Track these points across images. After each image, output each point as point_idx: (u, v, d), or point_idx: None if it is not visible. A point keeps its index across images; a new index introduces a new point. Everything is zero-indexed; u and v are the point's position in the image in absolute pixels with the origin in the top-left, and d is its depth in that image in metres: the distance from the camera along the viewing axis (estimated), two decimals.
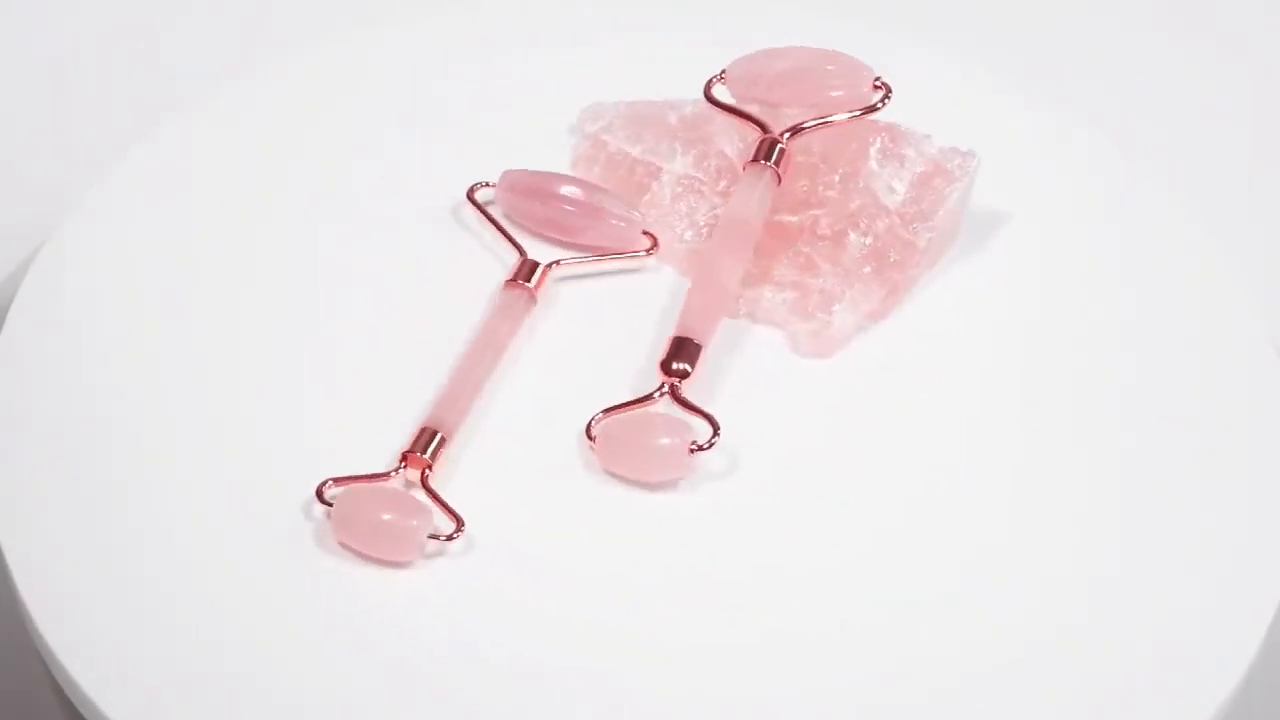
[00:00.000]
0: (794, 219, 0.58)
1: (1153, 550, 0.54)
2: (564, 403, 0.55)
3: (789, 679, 0.51)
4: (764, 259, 0.58)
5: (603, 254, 0.59)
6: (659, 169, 0.60)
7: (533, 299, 0.57)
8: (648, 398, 0.55)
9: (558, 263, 0.58)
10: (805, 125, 0.58)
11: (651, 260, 0.59)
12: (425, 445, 0.53)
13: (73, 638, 0.50)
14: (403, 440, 0.54)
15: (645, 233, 0.59)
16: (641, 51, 0.65)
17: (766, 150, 0.58)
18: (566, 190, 0.59)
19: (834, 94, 0.59)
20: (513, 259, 0.58)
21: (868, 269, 0.57)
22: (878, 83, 0.59)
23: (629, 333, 0.57)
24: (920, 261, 0.58)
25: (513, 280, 0.57)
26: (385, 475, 0.53)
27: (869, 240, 0.57)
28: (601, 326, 0.58)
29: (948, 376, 0.57)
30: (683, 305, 0.56)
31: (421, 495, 0.53)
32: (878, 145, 0.58)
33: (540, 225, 0.59)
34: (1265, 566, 0.53)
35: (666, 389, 0.55)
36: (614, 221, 0.59)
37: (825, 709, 0.50)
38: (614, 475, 0.54)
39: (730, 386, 0.56)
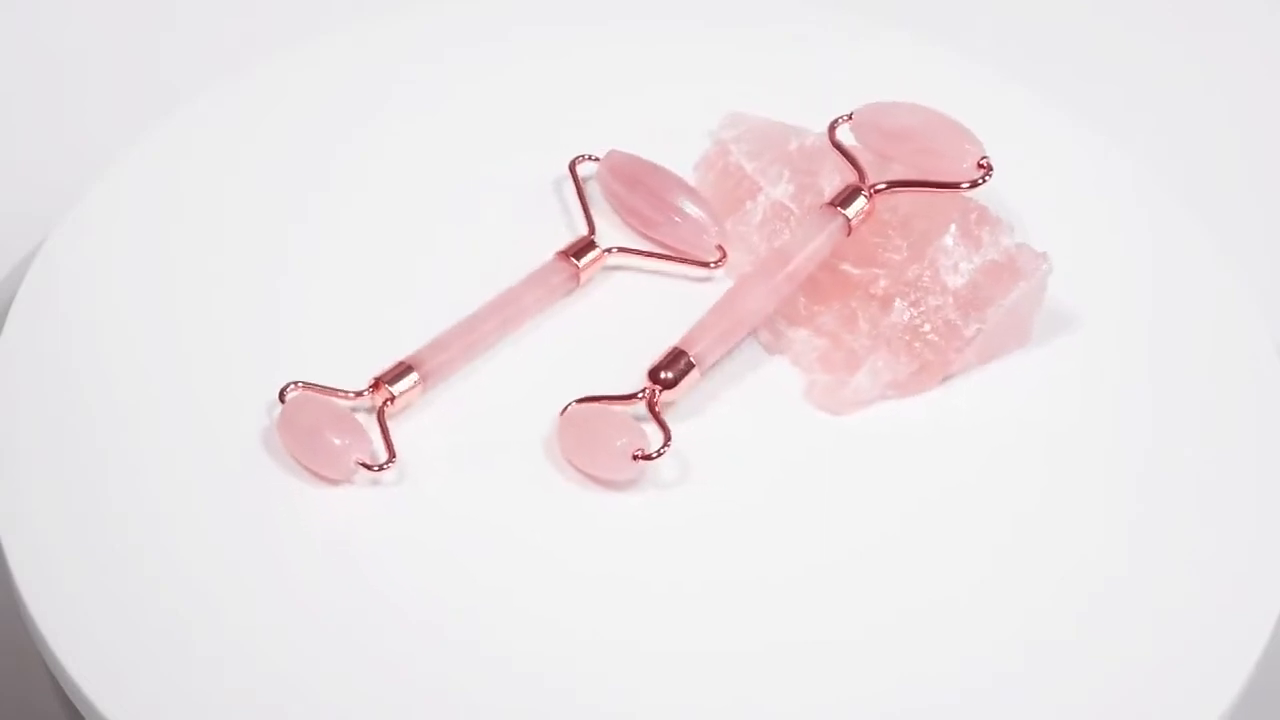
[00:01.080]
0: (856, 272, 0.57)
1: (1153, 552, 0.53)
2: (560, 386, 0.55)
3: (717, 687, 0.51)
4: (817, 303, 0.57)
5: (670, 255, 0.59)
6: (760, 189, 0.59)
7: (575, 277, 0.57)
8: (629, 397, 0.55)
9: (616, 250, 0.58)
10: (896, 183, 0.57)
11: (718, 273, 0.59)
12: (396, 378, 0.54)
13: (72, 637, 0.50)
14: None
15: (718, 245, 0.59)
16: (658, 54, 0.65)
17: (846, 197, 0.57)
18: (654, 183, 0.59)
19: (937, 160, 0.58)
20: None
21: (903, 339, 0.56)
22: (983, 161, 0.58)
23: (661, 336, 0.56)
24: (963, 349, 0.56)
25: (564, 253, 0.57)
26: (347, 394, 0.53)
27: (913, 313, 0.56)
28: (638, 324, 0.57)
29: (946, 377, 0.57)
30: (698, 320, 0.56)
31: (372, 422, 0.53)
32: (958, 223, 0.57)
33: (625, 212, 0.60)
34: (1269, 569, 0.53)
35: (645, 394, 0.55)
36: (689, 225, 0.59)
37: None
38: (569, 464, 0.54)
39: (726, 408, 0.56)
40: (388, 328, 0.58)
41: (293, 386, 0.54)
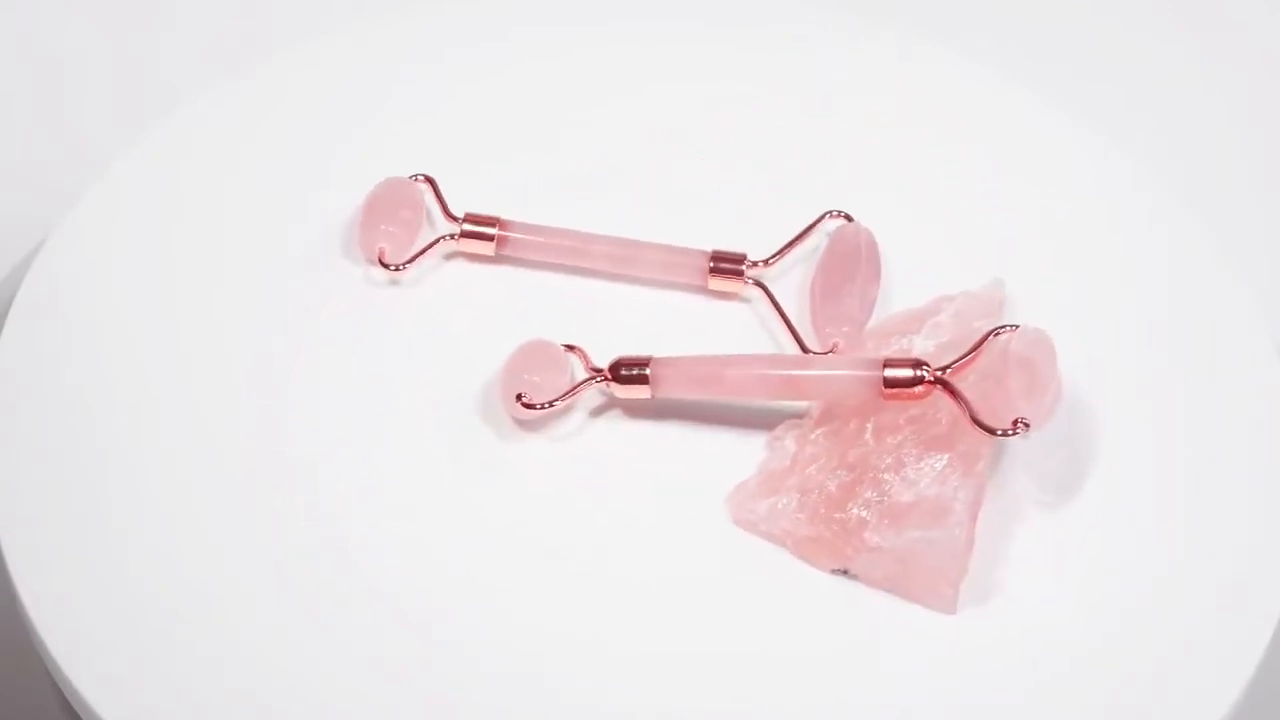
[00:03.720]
0: (848, 425, 0.54)
1: (1153, 552, 0.53)
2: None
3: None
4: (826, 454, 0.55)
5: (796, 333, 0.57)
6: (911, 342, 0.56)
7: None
8: (587, 381, 0.55)
9: (763, 263, 0.58)
10: (950, 389, 0.53)
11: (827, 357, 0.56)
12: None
13: (71, 638, 0.50)
14: (402, 447, 0.54)
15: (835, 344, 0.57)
16: (653, 48, 0.65)
17: (903, 364, 0.53)
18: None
19: (994, 388, 0.53)
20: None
21: (818, 500, 0.53)
22: (1023, 421, 0.52)
23: (670, 347, 0.56)
24: (865, 556, 0.52)
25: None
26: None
27: (845, 485, 0.53)
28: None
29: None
30: (689, 355, 0.55)
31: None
32: (942, 461, 0.53)
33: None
34: (1269, 570, 0.53)
35: (597, 376, 0.55)
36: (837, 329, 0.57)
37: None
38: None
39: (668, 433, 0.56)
40: (388, 327, 0.58)
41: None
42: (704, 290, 0.59)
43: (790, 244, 0.59)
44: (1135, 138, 0.70)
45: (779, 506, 0.53)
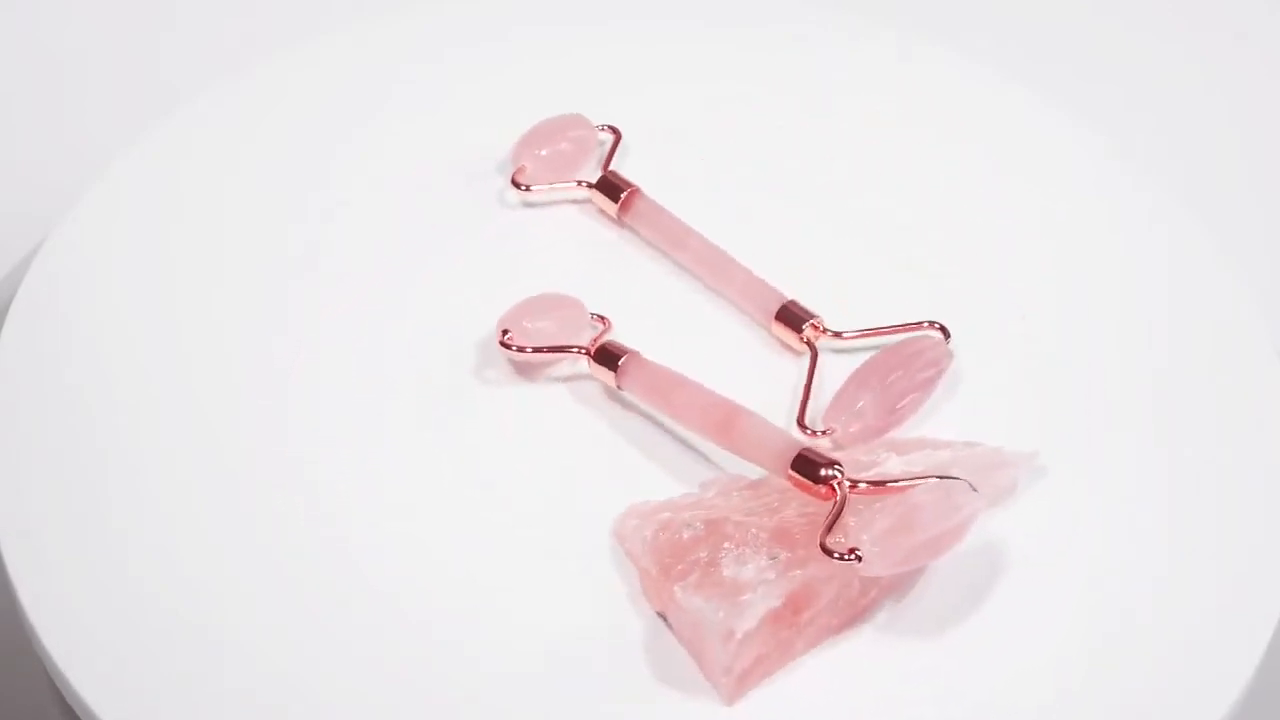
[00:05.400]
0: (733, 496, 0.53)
1: (1153, 553, 0.53)
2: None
3: None
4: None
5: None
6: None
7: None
8: (570, 348, 0.56)
9: (831, 332, 0.57)
10: (845, 486, 0.51)
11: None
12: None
13: (69, 638, 0.50)
14: (402, 446, 0.54)
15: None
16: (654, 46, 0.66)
17: (819, 460, 0.52)
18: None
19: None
20: None
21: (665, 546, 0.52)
22: (854, 553, 0.50)
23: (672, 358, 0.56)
24: (669, 611, 0.51)
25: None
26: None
27: (696, 537, 0.51)
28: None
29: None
30: (664, 367, 0.55)
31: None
32: (777, 556, 0.51)
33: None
34: (1269, 570, 0.53)
35: (581, 350, 0.56)
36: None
37: None
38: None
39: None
40: (388, 328, 0.58)
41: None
42: (768, 328, 0.58)
43: (869, 331, 0.57)
44: (1135, 138, 0.70)
45: (640, 531, 0.52)
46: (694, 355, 0.56)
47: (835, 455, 0.52)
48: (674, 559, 0.51)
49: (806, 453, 0.52)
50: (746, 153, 0.63)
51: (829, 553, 0.49)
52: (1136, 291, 0.60)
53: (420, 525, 0.53)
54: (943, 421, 0.56)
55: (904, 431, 0.55)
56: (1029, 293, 0.59)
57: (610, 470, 0.55)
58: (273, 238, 0.60)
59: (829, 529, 0.50)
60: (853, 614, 0.51)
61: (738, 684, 0.50)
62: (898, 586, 0.52)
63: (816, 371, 0.56)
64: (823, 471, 0.51)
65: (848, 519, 0.50)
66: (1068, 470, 0.55)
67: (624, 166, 0.62)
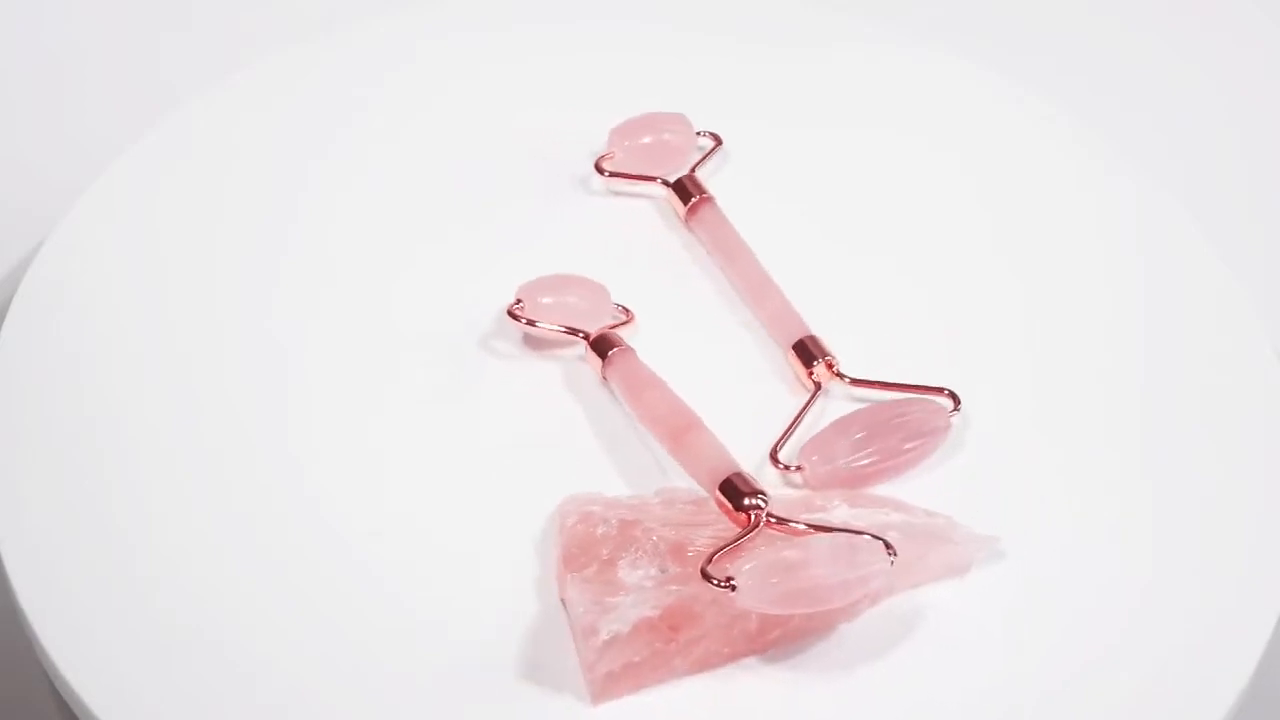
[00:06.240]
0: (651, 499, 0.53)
1: (1153, 553, 0.53)
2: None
3: None
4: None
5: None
6: None
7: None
8: (572, 330, 0.57)
9: (842, 375, 0.56)
10: (763, 518, 0.51)
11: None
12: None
13: (68, 638, 0.50)
14: (403, 445, 0.54)
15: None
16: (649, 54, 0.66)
17: (746, 488, 0.52)
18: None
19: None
20: None
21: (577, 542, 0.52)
22: (729, 581, 0.50)
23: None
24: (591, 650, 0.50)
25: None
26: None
27: (602, 535, 0.52)
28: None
29: (944, 374, 0.57)
30: (645, 366, 0.56)
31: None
32: (664, 571, 0.51)
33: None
34: (1269, 570, 0.53)
35: (581, 334, 0.56)
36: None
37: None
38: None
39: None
40: (388, 327, 0.58)
41: None
42: (787, 358, 0.57)
43: (881, 384, 0.56)
44: (1135, 138, 0.70)
45: (568, 515, 0.52)
46: (704, 369, 0.57)
47: (768, 489, 0.52)
48: (580, 550, 0.51)
49: (736, 478, 0.52)
50: (843, 177, 0.62)
51: (706, 577, 0.49)
52: (1136, 292, 0.60)
53: (421, 525, 0.53)
54: (930, 481, 0.55)
55: (890, 487, 0.54)
56: (1028, 293, 0.59)
57: (580, 460, 0.55)
58: (272, 237, 0.60)
59: (715, 555, 0.50)
60: (750, 648, 0.51)
61: (603, 684, 0.50)
62: (810, 631, 0.51)
63: (812, 409, 0.56)
64: (746, 500, 0.51)
65: (753, 550, 0.50)
66: (1066, 471, 0.55)
67: (720, 176, 0.62)
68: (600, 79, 0.65)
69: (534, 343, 0.57)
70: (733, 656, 0.51)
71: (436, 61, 0.65)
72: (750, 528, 0.51)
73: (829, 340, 0.57)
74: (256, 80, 0.64)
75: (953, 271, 0.60)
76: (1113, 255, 0.61)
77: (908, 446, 0.55)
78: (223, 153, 0.62)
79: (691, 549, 0.51)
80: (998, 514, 0.54)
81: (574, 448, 0.55)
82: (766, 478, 0.54)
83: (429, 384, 0.56)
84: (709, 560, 0.50)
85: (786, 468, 0.54)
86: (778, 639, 0.51)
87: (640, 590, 0.50)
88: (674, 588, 0.50)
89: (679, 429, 0.54)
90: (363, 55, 0.65)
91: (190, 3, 0.75)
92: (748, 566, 0.49)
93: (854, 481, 0.54)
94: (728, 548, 0.50)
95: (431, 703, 0.50)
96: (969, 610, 0.52)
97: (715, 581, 0.49)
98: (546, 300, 0.57)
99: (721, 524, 0.52)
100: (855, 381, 0.56)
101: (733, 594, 0.49)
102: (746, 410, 0.55)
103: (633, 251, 0.60)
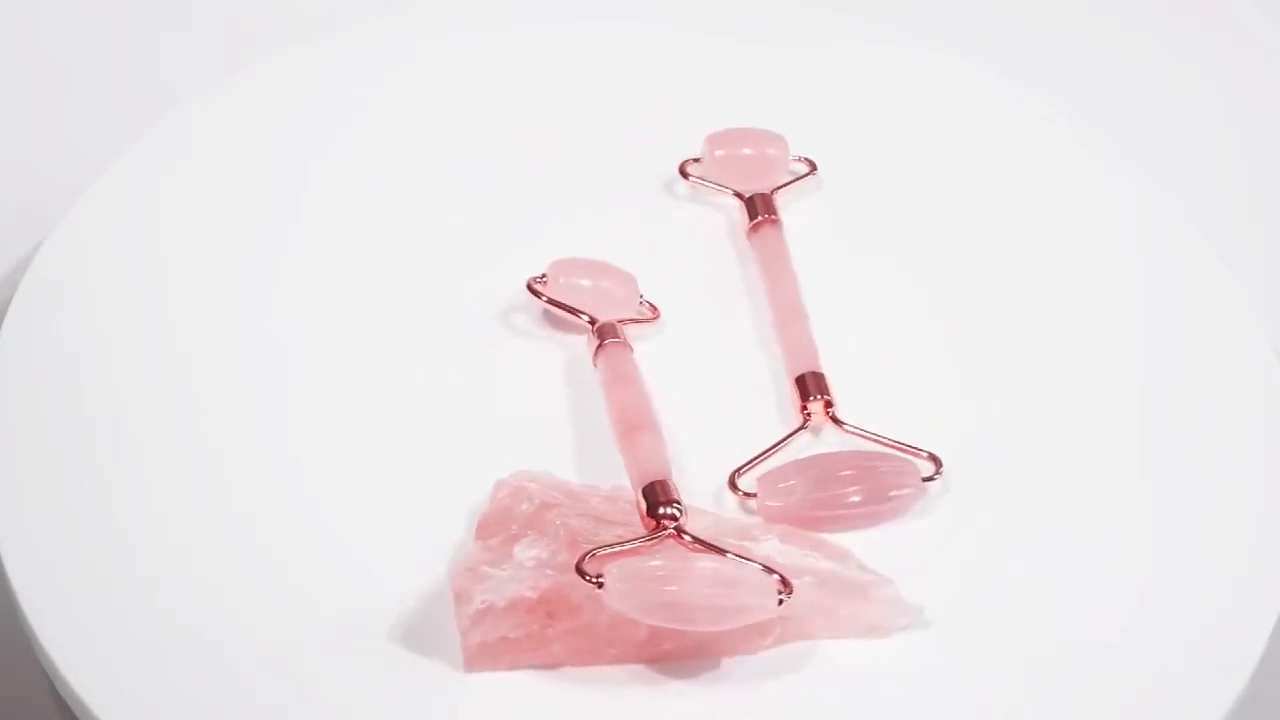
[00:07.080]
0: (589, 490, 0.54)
1: (1153, 554, 0.53)
2: None
3: None
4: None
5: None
6: None
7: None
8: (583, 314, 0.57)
9: (833, 416, 0.56)
10: (670, 529, 0.51)
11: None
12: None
13: (68, 638, 0.50)
14: (403, 446, 0.54)
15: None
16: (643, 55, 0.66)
17: (667, 498, 0.51)
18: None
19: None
20: None
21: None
22: (597, 579, 0.50)
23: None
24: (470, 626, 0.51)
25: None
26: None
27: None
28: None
29: (946, 374, 0.57)
30: (634, 368, 0.56)
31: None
32: (541, 555, 0.51)
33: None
34: (1269, 570, 0.53)
35: (593, 318, 0.57)
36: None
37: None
38: None
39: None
40: (388, 327, 0.58)
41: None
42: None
43: (868, 434, 0.55)
44: (1135, 138, 0.70)
45: (503, 486, 0.53)
46: (710, 382, 0.57)
47: (721, 511, 0.53)
48: (495, 521, 0.52)
49: (660, 485, 0.52)
50: (843, 177, 0.62)
51: (579, 571, 0.50)
52: (1136, 293, 0.60)
53: (421, 525, 0.53)
54: (913, 529, 0.54)
55: (871, 533, 0.54)
56: (1028, 292, 0.59)
57: (580, 460, 0.55)
58: (271, 237, 0.60)
59: (593, 551, 0.50)
60: (640, 656, 0.51)
61: (475, 653, 0.50)
62: (705, 654, 0.51)
63: (798, 444, 0.55)
64: (660, 509, 0.51)
65: (637, 556, 0.50)
66: (1062, 472, 0.55)
67: (811, 200, 0.62)
68: (600, 79, 0.65)
69: (534, 342, 0.57)
70: (620, 659, 0.51)
71: (436, 61, 0.65)
72: (651, 534, 0.51)
73: (835, 371, 0.56)
74: (256, 80, 0.64)
75: (953, 271, 0.60)
76: (1113, 255, 0.61)
77: (853, 499, 0.54)
78: (223, 153, 0.62)
79: (589, 542, 0.51)
80: (997, 520, 0.54)
81: (574, 448, 0.55)
82: (727, 501, 0.54)
83: (429, 384, 0.56)
84: (585, 556, 0.50)
85: (742, 493, 0.54)
86: (670, 653, 0.51)
87: (520, 568, 0.50)
88: (552, 574, 0.50)
89: (632, 427, 0.54)
90: (363, 55, 0.65)
91: (190, 3, 0.75)
92: (618, 569, 0.50)
93: (806, 523, 0.53)
94: (617, 548, 0.50)
95: (433, 703, 0.50)
96: (963, 622, 0.52)
97: (586, 577, 0.50)
98: (567, 280, 0.57)
99: (637, 526, 0.52)
100: (846, 428, 0.55)
101: (598, 591, 0.50)
102: (734, 432, 0.55)
103: (681, 254, 0.60)
